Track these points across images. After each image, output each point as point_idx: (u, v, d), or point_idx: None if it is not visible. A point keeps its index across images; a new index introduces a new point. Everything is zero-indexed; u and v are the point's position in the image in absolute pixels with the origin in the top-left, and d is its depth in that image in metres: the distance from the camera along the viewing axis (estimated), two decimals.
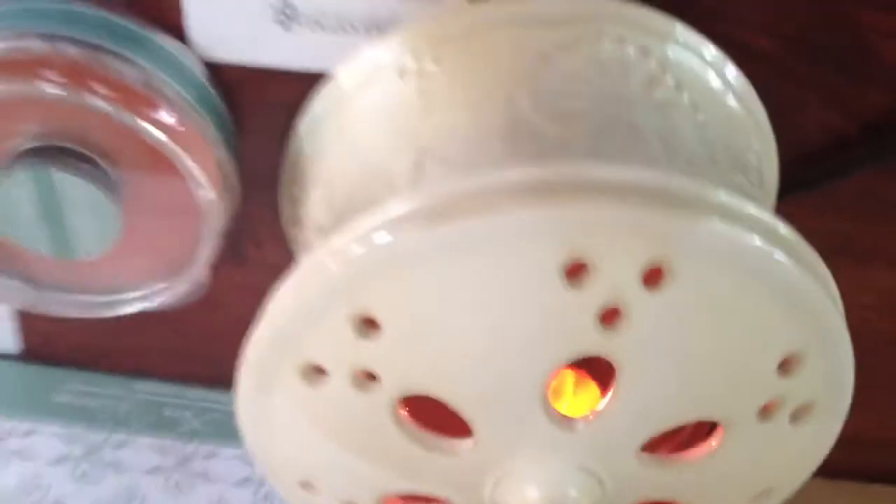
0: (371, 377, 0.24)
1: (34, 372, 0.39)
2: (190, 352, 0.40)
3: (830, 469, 0.27)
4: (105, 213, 0.29)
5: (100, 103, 0.26)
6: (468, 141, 0.25)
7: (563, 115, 0.24)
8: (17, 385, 0.40)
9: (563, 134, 0.24)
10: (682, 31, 0.28)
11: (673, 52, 0.28)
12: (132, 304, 0.32)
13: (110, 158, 0.28)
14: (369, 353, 0.23)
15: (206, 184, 0.28)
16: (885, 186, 0.34)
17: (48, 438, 0.39)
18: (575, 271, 0.22)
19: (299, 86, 0.29)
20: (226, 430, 0.41)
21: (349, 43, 0.29)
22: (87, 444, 0.39)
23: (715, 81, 0.28)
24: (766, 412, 0.25)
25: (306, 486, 0.28)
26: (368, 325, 0.23)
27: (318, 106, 0.29)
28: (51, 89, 0.26)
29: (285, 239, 0.31)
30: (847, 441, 0.26)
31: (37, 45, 0.26)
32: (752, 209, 0.23)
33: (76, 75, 0.26)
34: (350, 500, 0.28)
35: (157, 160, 0.28)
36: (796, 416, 0.26)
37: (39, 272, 0.30)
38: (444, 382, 0.24)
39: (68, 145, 0.28)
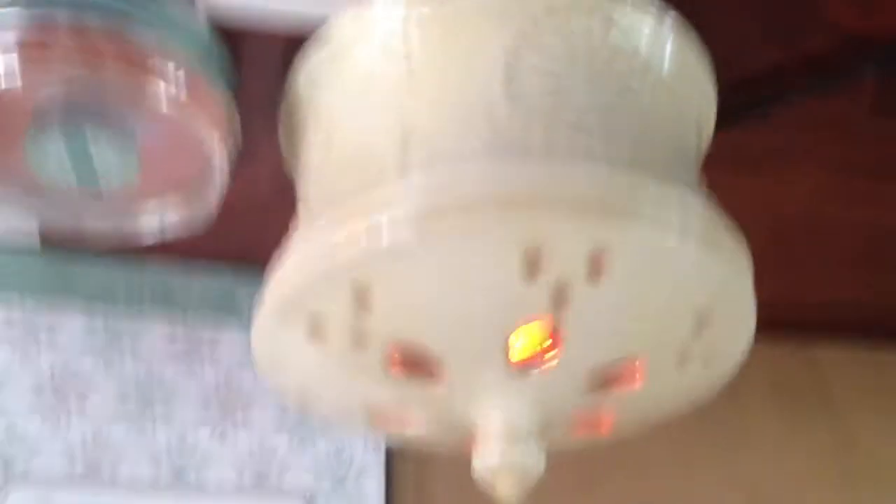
0: (365, 338, 0.30)
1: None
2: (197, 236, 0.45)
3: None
4: (125, 156, 0.33)
5: (113, 77, 0.30)
6: (450, 135, 0.29)
7: (531, 111, 0.28)
8: (39, 269, 0.45)
9: (529, 134, 0.28)
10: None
11: (631, 21, 0.31)
12: (146, 225, 0.36)
13: (129, 111, 0.32)
14: (364, 321, 0.29)
15: (212, 134, 0.32)
16: (818, 108, 0.39)
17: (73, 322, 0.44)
18: (533, 262, 0.27)
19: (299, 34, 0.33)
20: (230, 307, 0.47)
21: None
22: (108, 328, 0.45)
23: (667, 45, 0.32)
24: (680, 361, 0.31)
25: (306, 397, 0.34)
26: (364, 298, 0.28)
27: (315, 56, 0.33)
28: (70, 68, 0.29)
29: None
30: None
31: (60, 26, 0.29)
32: (670, 212, 0.28)
33: (91, 52, 0.29)
34: (344, 408, 0.35)
35: (169, 115, 0.31)
36: (704, 365, 0.32)
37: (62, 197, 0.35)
38: (425, 341, 0.30)
39: (91, 102, 0.31)
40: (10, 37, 0.28)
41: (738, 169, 0.41)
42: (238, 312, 0.47)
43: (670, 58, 0.32)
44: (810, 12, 0.35)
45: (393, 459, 0.45)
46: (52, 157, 0.32)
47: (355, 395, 0.33)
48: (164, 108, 0.30)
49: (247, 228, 0.40)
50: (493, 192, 0.27)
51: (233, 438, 0.44)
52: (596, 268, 0.28)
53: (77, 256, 0.45)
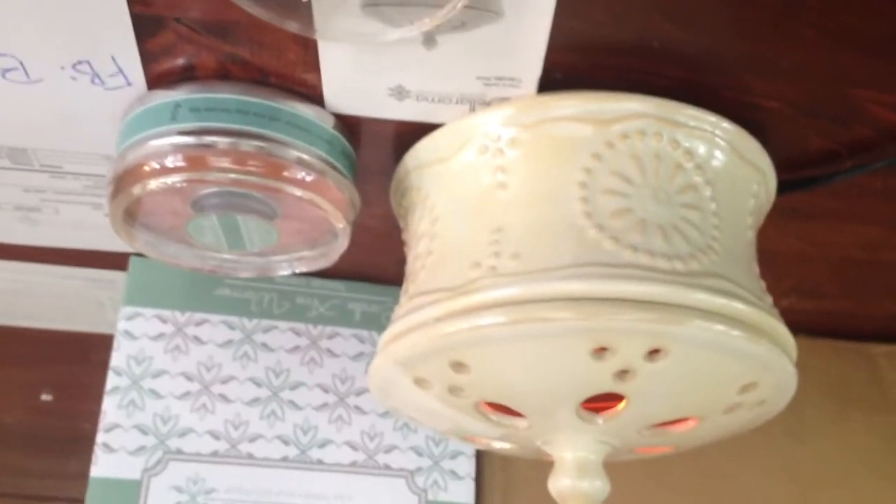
0: (460, 390, 0.36)
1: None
2: None
3: None
4: (266, 229, 0.40)
5: (255, 179, 0.36)
6: (534, 241, 0.34)
7: (604, 228, 0.34)
8: (188, 284, 0.53)
9: (601, 248, 0.34)
10: (702, 117, 0.36)
11: (693, 140, 0.36)
12: (280, 270, 0.44)
13: (269, 199, 0.39)
14: (460, 380, 0.36)
15: (336, 216, 0.39)
16: (863, 182, 0.43)
17: (216, 326, 0.52)
18: (600, 351, 0.33)
19: (408, 129, 0.39)
20: (343, 314, 0.54)
21: (447, 110, 0.38)
22: (244, 330, 0.53)
23: (726, 153, 0.37)
24: (729, 411, 0.37)
25: (410, 418, 0.42)
26: (459, 367, 0.35)
27: (424, 152, 0.39)
28: (220, 174, 0.36)
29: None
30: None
31: (220, 142, 0.36)
32: (721, 304, 0.33)
33: (238, 159, 0.36)
34: (441, 429, 0.42)
35: (301, 202, 0.38)
36: (752, 409, 0.38)
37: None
38: (509, 400, 0.36)
39: (239, 194, 0.38)
40: (180, 156, 0.35)
41: (800, 220, 0.46)
42: (350, 318, 0.54)
43: (728, 162, 0.37)
44: (855, 111, 0.39)
45: None
46: (208, 230, 0.40)
47: (451, 422, 0.40)
48: (297, 197, 0.37)
49: (358, 252, 0.47)
50: (567, 294, 0.33)
51: (347, 422, 0.52)
52: (653, 354, 0.33)
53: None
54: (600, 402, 0.37)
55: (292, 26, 0.32)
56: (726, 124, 0.37)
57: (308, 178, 0.37)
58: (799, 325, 0.45)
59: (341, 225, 0.39)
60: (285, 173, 0.36)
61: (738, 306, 0.34)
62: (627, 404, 0.36)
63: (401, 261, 0.42)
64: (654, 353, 0.33)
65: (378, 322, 0.54)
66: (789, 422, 0.54)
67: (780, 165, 0.40)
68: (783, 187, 0.41)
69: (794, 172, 0.42)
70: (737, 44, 0.35)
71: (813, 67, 0.36)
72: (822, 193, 0.44)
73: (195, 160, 0.36)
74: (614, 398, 0.37)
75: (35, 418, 0.81)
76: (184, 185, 0.36)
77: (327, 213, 0.38)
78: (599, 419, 0.37)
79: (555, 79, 0.36)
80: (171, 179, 0.35)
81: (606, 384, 0.34)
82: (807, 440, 0.55)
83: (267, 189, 0.37)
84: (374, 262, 0.52)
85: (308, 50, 0.35)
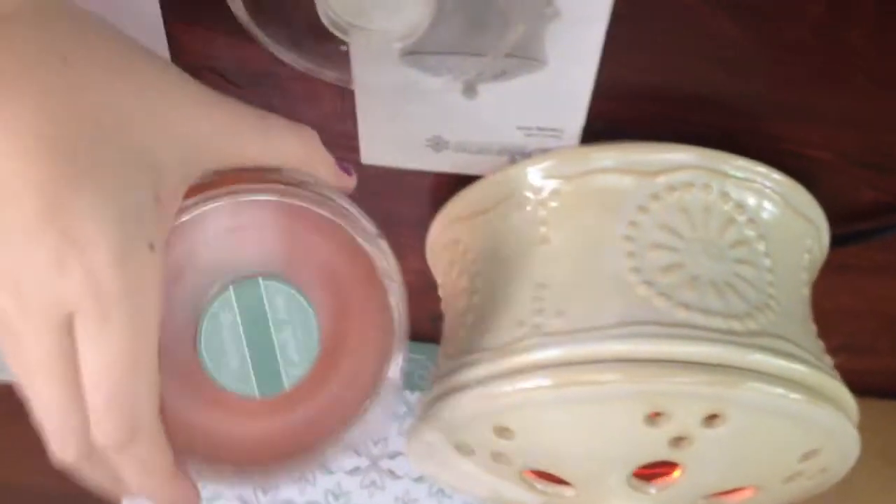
0: (504, 457, 0.34)
1: None
2: None
3: None
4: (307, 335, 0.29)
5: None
6: (580, 299, 0.33)
7: (652, 285, 0.32)
8: None
9: (652, 306, 0.32)
10: (752, 168, 0.34)
11: (743, 191, 0.34)
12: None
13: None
14: (504, 445, 0.34)
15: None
16: None
17: None
18: (655, 418, 0.31)
19: (446, 180, 0.38)
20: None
21: (486, 162, 0.36)
22: None
23: (778, 206, 0.35)
24: (789, 479, 0.35)
25: (450, 485, 0.40)
26: (503, 433, 0.33)
27: (462, 204, 0.37)
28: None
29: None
30: None
31: None
32: (780, 366, 0.31)
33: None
34: (483, 496, 0.40)
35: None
36: (813, 477, 0.36)
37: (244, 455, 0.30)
38: (556, 467, 0.34)
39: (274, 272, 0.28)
40: None
41: (852, 274, 0.44)
42: None
43: (781, 215, 0.35)
44: None
45: None
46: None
47: (492, 489, 0.38)
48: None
49: None
50: (617, 355, 0.31)
51: (380, 487, 0.50)
52: (711, 420, 0.31)
53: None
54: (653, 469, 0.35)
55: (329, 76, 0.30)
56: (777, 175, 0.35)
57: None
58: (850, 385, 0.42)
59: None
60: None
61: (798, 368, 0.32)
62: (683, 473, 0.34)
63: (436, 317, 0.41)
64: (711, 418, 0.31)
65: (412, 380, 0.52)
66: (839, 487, 0.51)
67: (831, 218, 0.38)
68: (835, 241, 0.39)
69: (845, 226, 0.40)
70: (783, 91, 0.34)
71: (861, 115, 0.35)
72: (875, 247, 0.42)
73: None
74: (667, 465, 0.35)
75: (49, 480, 0.79)
76: None
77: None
78: (652, 488, 0.35)
79: (596, 127, 0.35)
80: None
81: (661, 452, 0.32)
82: None
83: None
84: (409, 319, 0.50)
85: (345, 100, 0.33)
